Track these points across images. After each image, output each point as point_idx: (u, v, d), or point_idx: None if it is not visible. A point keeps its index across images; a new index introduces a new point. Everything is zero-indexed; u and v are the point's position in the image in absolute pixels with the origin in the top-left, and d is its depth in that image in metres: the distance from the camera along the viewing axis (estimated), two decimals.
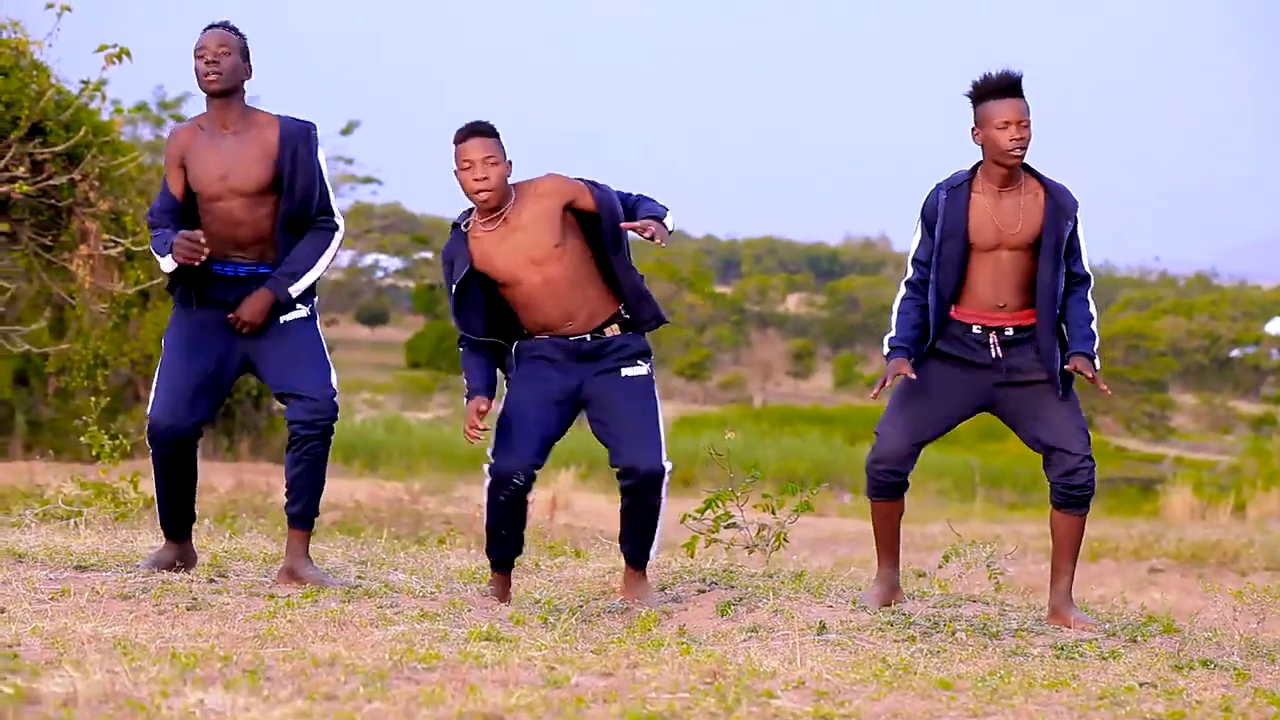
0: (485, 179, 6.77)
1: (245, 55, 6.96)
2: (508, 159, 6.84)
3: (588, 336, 6.90)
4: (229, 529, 10.02)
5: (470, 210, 6.95)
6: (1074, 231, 6.95)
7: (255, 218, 6.88)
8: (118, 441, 10.18)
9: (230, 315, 6.92)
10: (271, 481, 19.15)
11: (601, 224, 6.87)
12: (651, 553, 7.11)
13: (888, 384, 6.98)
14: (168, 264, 6.86)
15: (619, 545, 7.18)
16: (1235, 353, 66.92)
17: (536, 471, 6.89)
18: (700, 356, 64.94)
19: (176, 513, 7.10)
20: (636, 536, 7.04)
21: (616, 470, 6.91)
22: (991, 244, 6.88)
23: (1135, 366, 57.73)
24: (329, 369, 7.01)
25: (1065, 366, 6.93)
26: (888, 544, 7.21)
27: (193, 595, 6.48)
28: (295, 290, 6.94)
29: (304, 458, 6.95)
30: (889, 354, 7.00)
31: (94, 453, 10.23)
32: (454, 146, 6.83)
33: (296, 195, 6.88)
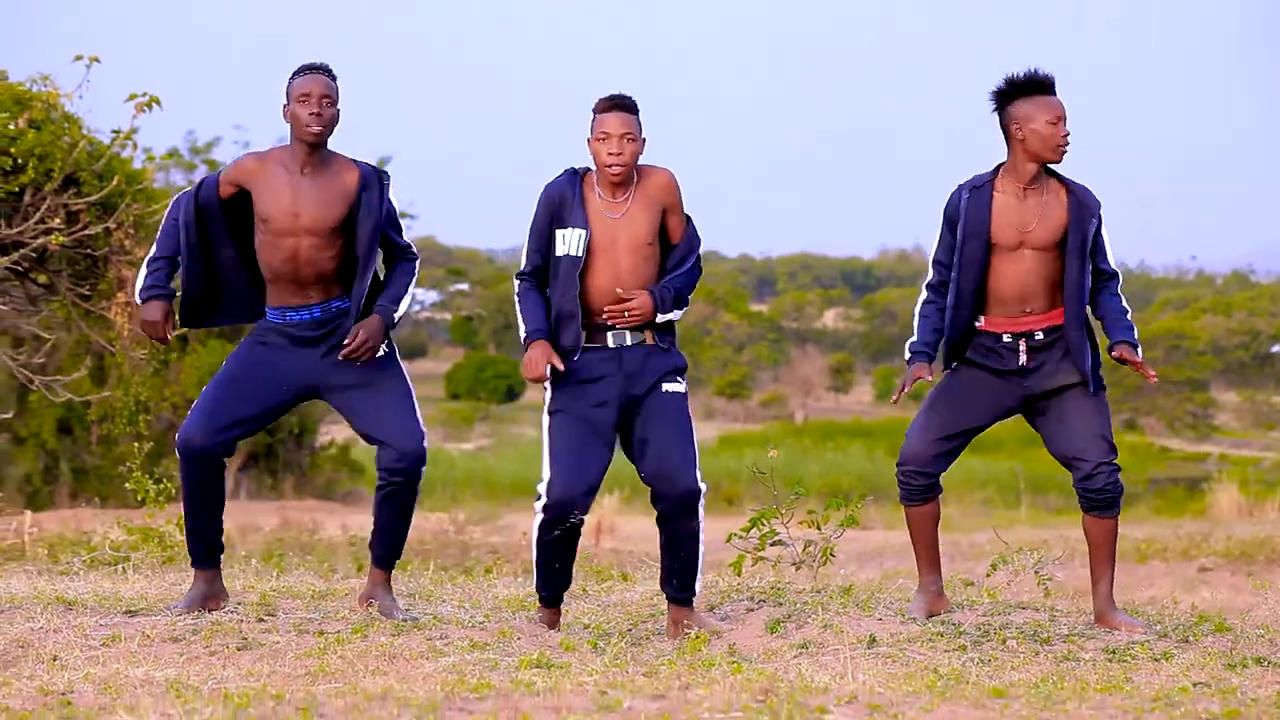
0: (619, 154, 6.75)
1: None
2: (643, 136, 6.82)
3: (628, 336, 6.87)
4: (276, 567, 10.05)
5: (587, 168, 6.93)
6: (1098, 230, 6.96)
7: (321, 257, 6.90)
8: (162, 486, 10.22)
9: (346, 343, 6.88)
10: (317, 518, 19.19)
11: (671, 251, 6.90)
12: (696, 586, 6.98)
13: (907, 389, 7.01)
14: (140, 299, 6.95)
15: (662, 586, 7.05)
16: (1276, 348, 66.61)
17: (590, 502, 6.83)
18: (740, 375, 64.93)
19: (202, 534, 7.08)
20: (680, 570, 6.90)
21: (652, 490, 6.85)
22: (1015, 243, 6.89)
23: (1176, 366, 57.54)
24: (416, 415, 7.02)
25: (1112, 354, 6.95)
26: (926, 551, 7.19)
27: (243, 635, 6.49)
28: (397, 315, 6.99)
29: (390, 503, 6.98)
30: (909, 359, 7.08)
31: (139, 498, 10.28)
32: (593, 115, 6.82)
33: (365, 238, 6.91)
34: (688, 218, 6.94)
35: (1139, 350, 6.94)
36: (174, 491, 10.28)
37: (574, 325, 6.80)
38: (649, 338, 6.87)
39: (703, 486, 6.85)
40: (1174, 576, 14.99)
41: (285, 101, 6.91)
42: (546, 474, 6.76)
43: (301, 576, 8.96)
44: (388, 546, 7.06)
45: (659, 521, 6.91)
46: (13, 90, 10.99)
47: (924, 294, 7.11)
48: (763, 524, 8.59)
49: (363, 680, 5.82)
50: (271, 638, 6.47)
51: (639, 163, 6.86)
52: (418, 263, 7.18)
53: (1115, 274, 7.04)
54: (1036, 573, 8.67)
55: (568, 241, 6.80)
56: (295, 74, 6.95)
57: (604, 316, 6.77)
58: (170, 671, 5.95)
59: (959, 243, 6.92)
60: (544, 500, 6.74)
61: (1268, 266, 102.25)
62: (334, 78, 6.94)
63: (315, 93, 6.85)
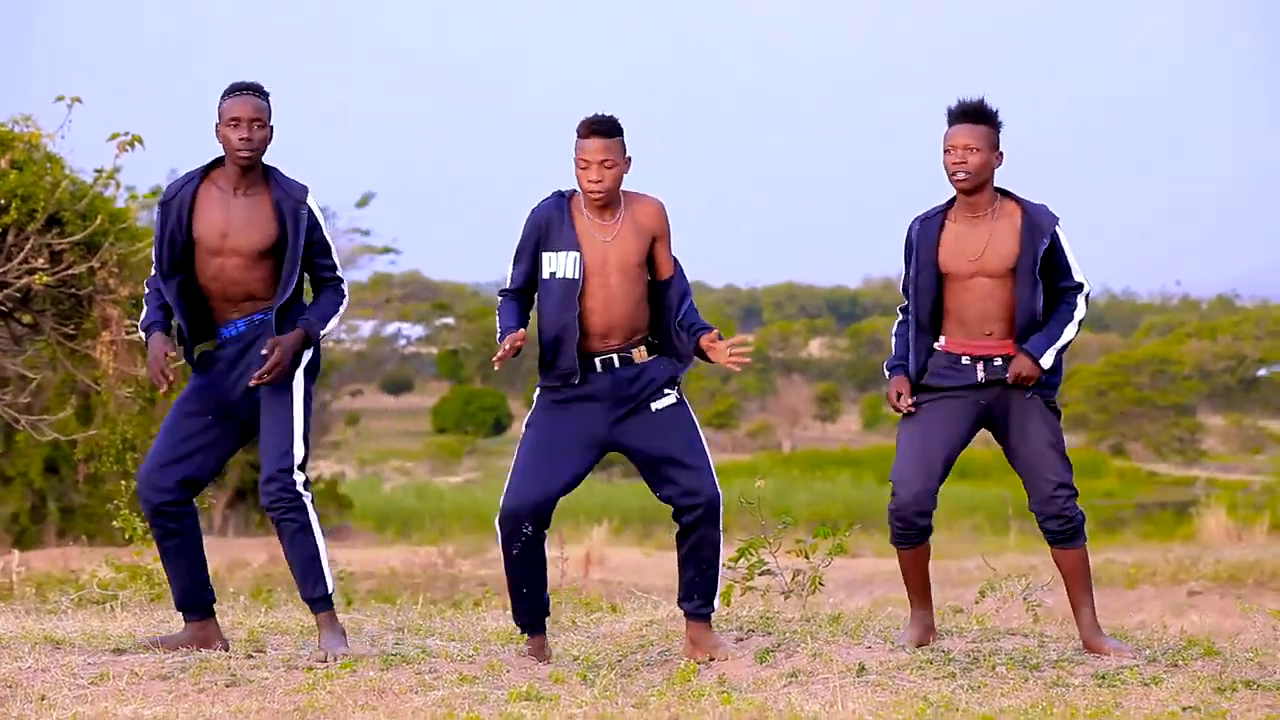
0: (599, 181, 6.76)
1: (270, 118, 6.91)
2: (627, 156, 6.81)
3: (615, 357, 6.87)
4: (264, 603, 10.03)
5: (574, 190, 6.93)
6: (1055, 247, 6.92)
7: (249, 278, 6.86)
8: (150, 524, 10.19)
9: (264, 353, 6.76)
10: None
11: (668, 288, 6.92)
12: (716, 602, 6.97)
13: (900, 404, 7.03)
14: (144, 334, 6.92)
15: (681, 604, 7.01)
16: (1261, 372, 66.70)
17: (546, 516, 6.81)
18: (726, 405, 64.93)
19: (184, 585, 7.05)
20: (702, 583, 6.87)
21: (675, 507, 6.81)
22: (968, 272, 6.93)
23: (1162, 391, 57.61)
24: (292, 435, 6.84)
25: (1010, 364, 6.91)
26: (918, 587, 7.19)
27: (231, 672, 6.48)
28: (323, 332, 6.91)
29: (280, 534, 6.89)
30: (889, 375, 7.14)
31: (126, 536, 10.25)
32: (576, 138, 6.81)
33: (289, 259, 6.85)
34: (674, 259, 6.96)
35: (1049, 358, 6.86)
36: None
37: (571, 347, 6.80)
38: (638, 355, 6.87)
39: (720, 494, 6.82)
40: (1163, 600, 15.01)
41: (217, 121, 6.84)
42: (505, 485, 6.82)
43: (290, 612, 8.94)
44: (301, 583, 6.93)
45: (680, 536, 6.88)
46: None
47: (899, 316, 7.21)
48: (751, 553, 8.59)
49: (352, 716, 5.81)
50: (260, 674, 6.46)
51: (628, 188, 6.89)
52: (345, 293, 7.06)
53: (1078, 286, 6.97)
54: (1025, 599, 8.67)
55: (559, 264, 6.81)
56: (225, 94, 6.86)
57: (729, 356, 6.77)
58: (159, 709, 5.95)
59: (914, 272, 7.00)
60: (499, 512, 6.79)
61: (1252, 291, 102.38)
62: (265, 96, 6.87)
63: (245, 115, 6.78)
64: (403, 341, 72.78)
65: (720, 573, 6.93)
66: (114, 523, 10.38)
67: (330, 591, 6.94)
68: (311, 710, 5.90)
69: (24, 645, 7.12)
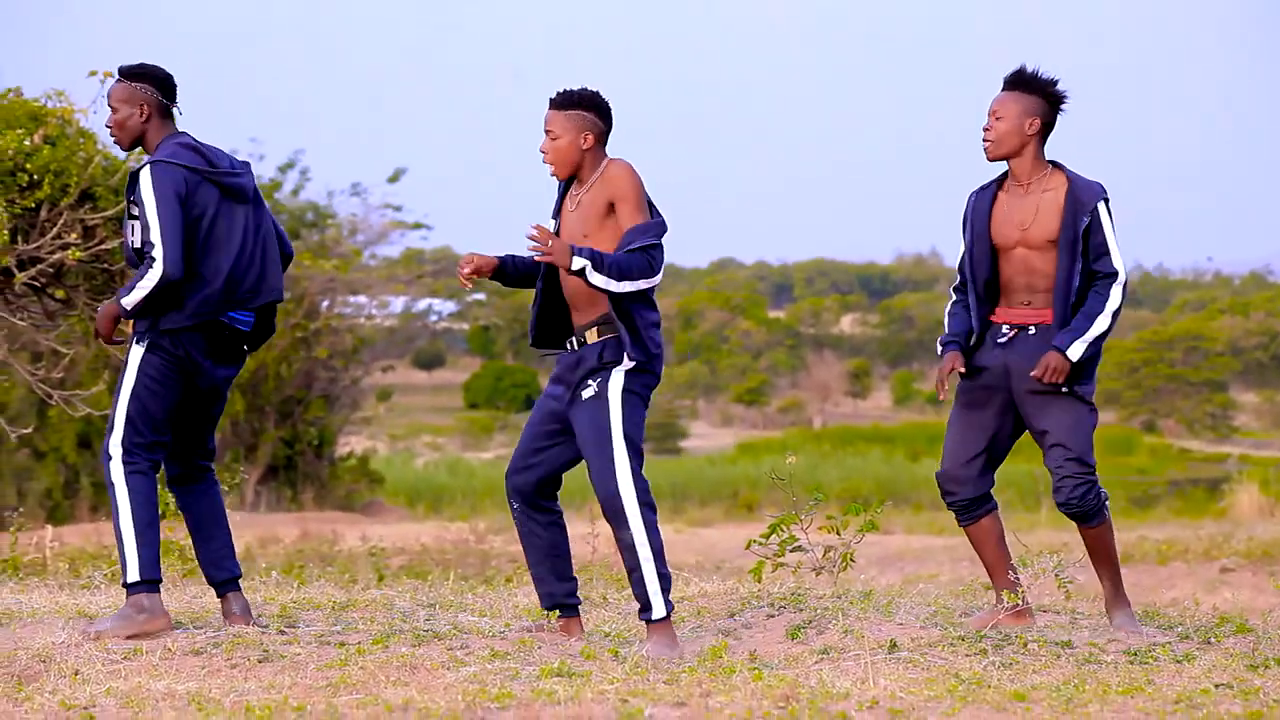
0: (545, 151, 6.76)
1: (140, 101, 7.09)
2: (585, 132, 6.70)
3: (574, 338, 6.75)
4: (296, 579, 10.06)
5: None
6: (1095, 226, 6.88)
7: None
8: None
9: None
10: (337, 529, 19.21)
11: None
12: (655, 604, 6.63)
13: (946, 382, 7.02)
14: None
15: None
16: None
17: (528, 493, 6.81)
18: (758, 382, 64.94)
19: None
20: (634, 586, 6.69)
21: None
22: (1012, 242, 6.92)
23: (1195, 368, 57.48)
24: (118, 409, 7.03)
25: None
26: (988, 567, 7.22)
27: (264, 647, 6.49)
28: (125, 301, 6.95)
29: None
30: (941, 352, 7.11)
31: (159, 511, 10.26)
32: None
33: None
34: (654, 210, 6.71)
35: (1077, 350, 6.80)
36: None
37: (534, 318, 6.83)
38: (591, 336, 6.69)
39: (629, 493, 6.60)
40: (1195, 578, 14.96)
41: None
42: None
43: (322, 588, 8.97)
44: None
45: None
46: (27, 106, 11.00)
47: (951, 296, 7.17)
48: (782, 530, 8.58)
49: (384, 691, 5.82)
50: (292, 650, 6.48)
51: (612, 155, 6.77)
52: (154, 264, 6.93)
53: (1113, 274, 6.90)
54: (1057, 576, 8.63)
55: None
56: None
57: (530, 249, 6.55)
58: (192, 685, 5.96)
59: (969, 244, 7.00)
60: None
61: None
62: (125, 78, 7.10)
63: (109, 100, 7.13)
64: (434, 317, 72.69)
65: (649, 576, 6.63)
66: None
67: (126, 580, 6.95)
68: (344, 685, 5.91)
69: (58, 620, 7.16)
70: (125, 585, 6.88)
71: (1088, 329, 6.83)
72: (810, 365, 69.69)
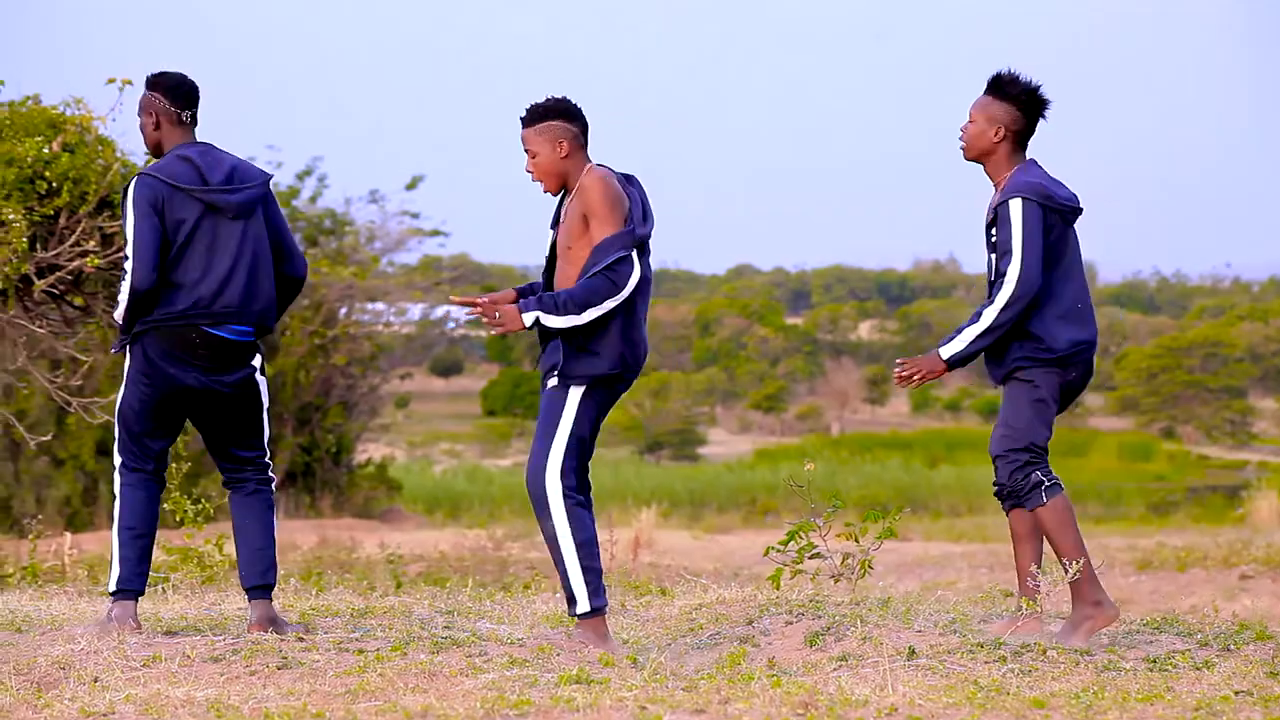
0: (530, 171, 6.85)
1: (152, 109, 7.14)
2: (559, 140, 6.75)
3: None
4: (315, 586, 10.07)
5: None
6: (1000, 222, 6.83)
7: None
8: (200, 506, 10.25)
9: None
10: (355, 536, 19.24)
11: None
12: (580, 598, 6.67)
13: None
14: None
15: None
16: None
17: (536, 487, 6.79)
18: (775, 388, 64.93)
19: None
20: (559, 577, 6.74)
21: None
22: (985, 244, 6.99)
23: (1213, 374, 57.39)
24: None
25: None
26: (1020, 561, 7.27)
27: (283, 654, 6.50)
28: (116, 317, 7.11)
29: None
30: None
31: (177, 518, 10.30)
32: None
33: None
34: (630, 216, 6.72)
35: (953, 349, 6.86)
36: (212, 512, 10.32)
37: None
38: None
39: (554, 484, 6.65)
40: (1214, 584, 14.94)
41: None
42: None
43: (340, 595, 8.97)
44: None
45: None
46: (46, 114, 11.01)
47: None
48: (800, 537, 8.58)
49: (403, 698, 5.83)
50: (311, 656, 6.48)
51: (596, 164, 6.83)
52: (125, 276, 7.01)
53: (1002, 274, 6.80)
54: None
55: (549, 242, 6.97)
56: None
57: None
58: (211, 691, 5.97)
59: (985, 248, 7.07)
60: None
61: None
62: (147, 87, 7.17)
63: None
64: (452, 324, 72.88)
65: (569, 569, 6.66)
66: (165, 505, 10.41)
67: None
68: (362, 693, 5.92)
69: (77, 627, 7.16)
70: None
71: (954, 338, 6.90)
72: (828, 372, 69.68)
